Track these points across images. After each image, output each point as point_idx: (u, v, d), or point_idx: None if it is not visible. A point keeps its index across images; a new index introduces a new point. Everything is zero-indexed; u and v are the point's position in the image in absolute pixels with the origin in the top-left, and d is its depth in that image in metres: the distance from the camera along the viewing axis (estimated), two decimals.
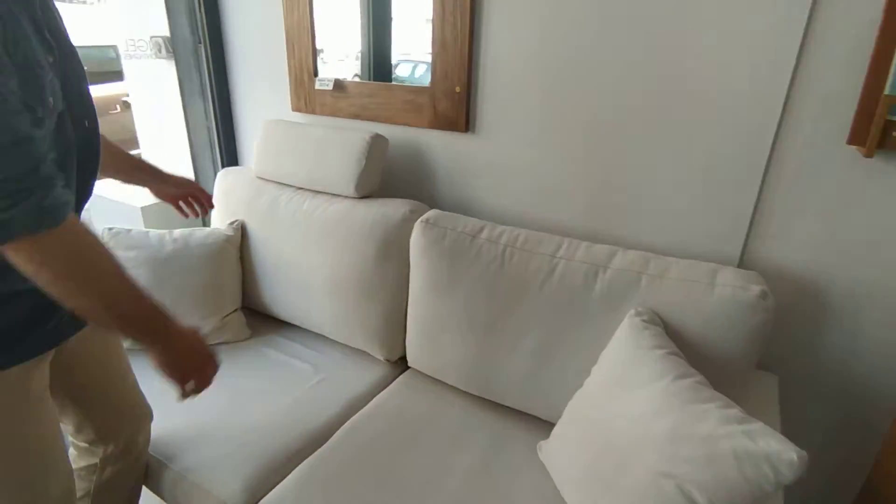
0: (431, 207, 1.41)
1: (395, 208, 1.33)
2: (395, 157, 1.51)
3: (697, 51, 1.05)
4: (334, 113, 1.55)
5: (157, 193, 1.18)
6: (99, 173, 0.85)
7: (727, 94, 1.05)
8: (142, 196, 1.97)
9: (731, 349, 0.98)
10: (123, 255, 1.43)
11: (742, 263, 1.16)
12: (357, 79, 1.56)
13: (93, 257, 0.69)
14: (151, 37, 1.86)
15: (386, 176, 1.53)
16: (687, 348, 0.98)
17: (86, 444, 1.06)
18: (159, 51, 1.83)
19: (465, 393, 1.28)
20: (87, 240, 0.68)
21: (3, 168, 0.59)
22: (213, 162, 1.90)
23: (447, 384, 1.31)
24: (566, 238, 1.18)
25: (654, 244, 1.22)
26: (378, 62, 1.54)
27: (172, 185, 1.17)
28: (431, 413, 1.23)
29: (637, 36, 1.10)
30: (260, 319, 1.60)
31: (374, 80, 1.53)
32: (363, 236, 1.32)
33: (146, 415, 1.13)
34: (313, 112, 1.59)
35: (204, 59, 1.74)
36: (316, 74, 1.54)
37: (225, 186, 1.62)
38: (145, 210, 1.87)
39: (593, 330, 1.08)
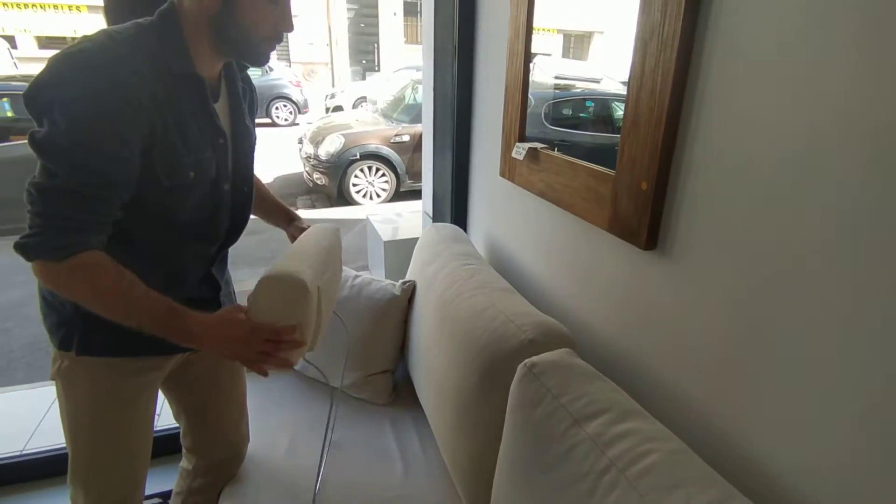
0: (574, 342, 0.98)
1: (519, 328, 0.98)
2: (567, 250, 1.12)
3: None
4: (528, 186, 1.26)
5: (289, 235, 1.15)
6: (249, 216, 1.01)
7: None
8: (391, 231, 2.14)
9: None
10: None
11: None
12: None
13: (90, 286, 0.74)
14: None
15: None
16: None
17: (185, 450, 1.19)
18: None
19: None
20: (86, 273, 0.73)
21: (63, 205, 0.70)
22: (451, 214, 1.87)
23: None
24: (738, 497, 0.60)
25: None
26: None
27: (295, 228, 1.12)
28: None
29: None
30: (413, 388, 1.49)
31: None
32: (473, 353, 1.02)
33: (239, 447, 1.20)
34: (513, 181, 1.34)
35: (454, 107, 1.71)
36: (522, 140, 1.29)
37: (423, 241, 1.56)
38: (387, 245, 2.02)
39: None
